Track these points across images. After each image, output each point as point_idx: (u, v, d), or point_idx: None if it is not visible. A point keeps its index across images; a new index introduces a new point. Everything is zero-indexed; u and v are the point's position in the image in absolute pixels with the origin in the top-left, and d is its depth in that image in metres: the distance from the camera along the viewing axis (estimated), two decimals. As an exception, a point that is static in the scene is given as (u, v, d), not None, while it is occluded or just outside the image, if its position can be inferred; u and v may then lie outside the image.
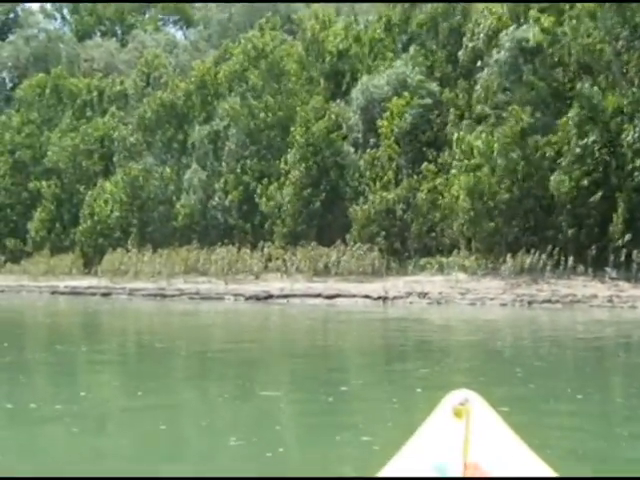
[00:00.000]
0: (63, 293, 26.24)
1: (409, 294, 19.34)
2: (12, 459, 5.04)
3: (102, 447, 5.40)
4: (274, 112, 26.75)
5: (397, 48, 26.37)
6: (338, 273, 22.41)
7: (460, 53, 23.41)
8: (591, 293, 17.57)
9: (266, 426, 5.83)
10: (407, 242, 22.76)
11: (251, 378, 8.37)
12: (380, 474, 1.69)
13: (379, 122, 23.69)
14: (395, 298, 19.28)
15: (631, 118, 19.32)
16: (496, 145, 20.41)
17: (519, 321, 15.79)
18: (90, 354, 11.03)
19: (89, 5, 45.52)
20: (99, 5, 45.14)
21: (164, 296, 23.36)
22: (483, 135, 20.94)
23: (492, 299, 18.30)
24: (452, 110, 22.91)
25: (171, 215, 28.36)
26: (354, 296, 19.73)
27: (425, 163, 22.87)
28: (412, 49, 25.16)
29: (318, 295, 20.22)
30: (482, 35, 22.40)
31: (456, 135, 21.75)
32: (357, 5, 32.63)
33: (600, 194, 19.11)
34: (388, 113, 23.47)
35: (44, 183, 33.00)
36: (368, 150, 24.07)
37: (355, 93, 24.95)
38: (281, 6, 37.29)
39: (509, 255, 19.80)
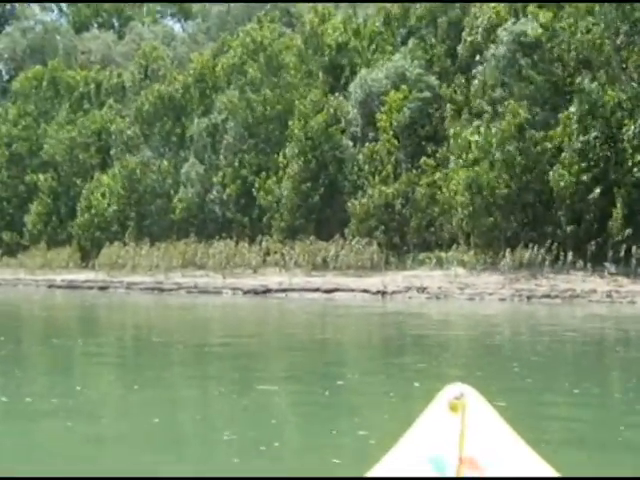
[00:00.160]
0: (60, 287, 26.19)
1: (408, 289, 19.32)
2: (6, 453, 5.00)
3: (96, 441, 5.37)
4: (272, 105, 26.66)
5: (396, 42, 26.27)
6: (337, 267, 22.38)
7: (459, 47, 23.33)
8: (590, 288, 17.56)
9: (262, 420, 5.80)
10: (406, 236, 22.73)
11: (248, 372, 8.34)
12: (374, 468, 1.65)
13: (378, 116, 23.62)
14: (394, 293, 19.26)
15: (631, 113, 19.27)
16: (494, 139, 20.36)
17: (518, 316, 15.78)
18: (87, 348, 10.99)
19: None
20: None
21: (162, 290, 23.33)
22: (482, 129, 20.89)
23: (491, 294, 18.29)
24: (449, 106, 22.84)
25: (169, 208, 28.30)
26: (353, 290, 19.70)
27: (424, 157, 22.82)
28: (411, 42, 25.07)
29: (316, 289, 20.20)
30: (480, 29, 22.32)
31: (454, 130, 21.70)
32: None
33: (599, 189, 19.08)
34: (387, 107, 23.40)
35: (41, 176, 32.92)
36: (367, 144, 24.00)
37: (353, 87, 24.86)
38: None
39: (508, 250, 19.79)
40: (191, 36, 42.43)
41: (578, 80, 19.87)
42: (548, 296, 17.59)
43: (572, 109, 19.55)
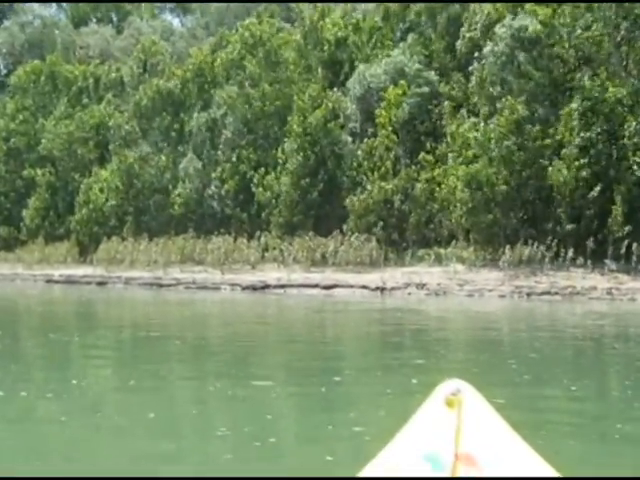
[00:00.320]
0: (58, 282, 26.15)
1: (407, 285, 19.29)
2: (1, 448, 4.96)
3: (90, 435, 5.33)
4: (271, 101, 26.59)
5: (395, 37, 26.20)
6: (335, 263, 22.35)
7: (458, 43, 23.25)
8: (590, 285, 17.53)
9: (258, 416, 5.76)
10: (405, 233, 22.69)
11: (245, 367, 8.31)
12: (370, 465, 1.62)
13: (377, 111, 23.56)
14: (393, 289, 19.23)
15: (631, 110, 19.22)
16: (492, 135, 20.31)
17: (517, 313, 15.76)
18: (84, 343, 10.96)
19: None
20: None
21: (160, 285, 23.30)
22: (481, 125, 20.84)
23: (490, 290, 18.26)
24: (448, 102, 22.78)
25: (167, 204, 28.25)
26: (351, 287, 19.67)
27: (423, 153, 22.77)
28: (410, 38, 25.00)
29: (315, 285, 20.17)
30: (479, 25, 22.25)
31: (452, 127, 21.65)
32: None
33: (600, 186, 19.04)
34: (385, 102, 23.33)
35: (39, 171, 32.84)
36: (366, 140, 23.94)
37: (352, 82, 24.79)
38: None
39: (508, 246, 19.75)
40: (190, 31, 42.32)
41: (578, 76, 19.81)
42: (548, 293, 17.56)
43: (573, 105, 19.50)
